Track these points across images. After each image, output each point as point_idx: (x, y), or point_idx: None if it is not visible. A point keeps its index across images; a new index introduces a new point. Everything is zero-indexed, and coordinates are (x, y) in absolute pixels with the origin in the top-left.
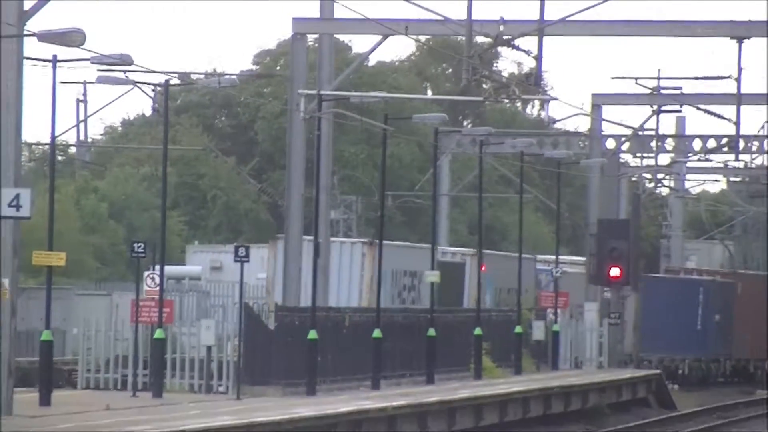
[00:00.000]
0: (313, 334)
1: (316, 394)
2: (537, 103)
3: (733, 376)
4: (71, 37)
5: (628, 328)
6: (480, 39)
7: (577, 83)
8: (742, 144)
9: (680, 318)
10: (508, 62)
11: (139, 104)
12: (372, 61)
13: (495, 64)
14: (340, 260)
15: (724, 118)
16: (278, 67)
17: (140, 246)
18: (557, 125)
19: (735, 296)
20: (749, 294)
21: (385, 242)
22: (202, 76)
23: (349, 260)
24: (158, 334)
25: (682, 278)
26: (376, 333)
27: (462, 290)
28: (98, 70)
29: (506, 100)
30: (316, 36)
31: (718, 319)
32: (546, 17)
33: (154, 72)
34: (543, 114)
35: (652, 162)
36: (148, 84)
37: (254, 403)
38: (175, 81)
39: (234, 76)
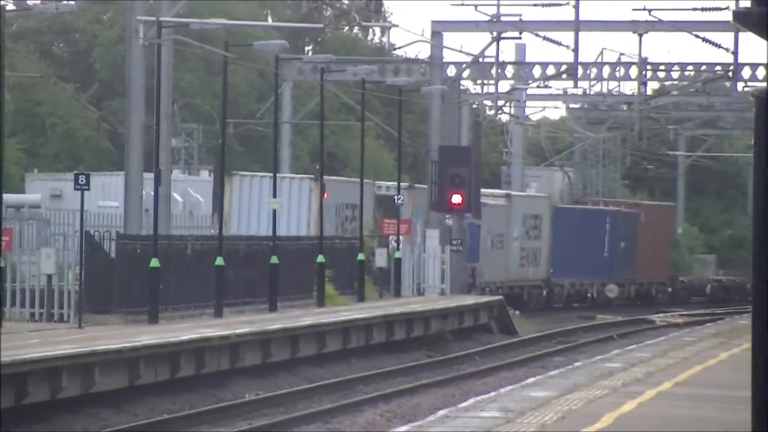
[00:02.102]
0: (154, 262)
1: (159, 323)
2: (378, 30)
3: (636, 299)
4: None
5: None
6: None
7: (417, 10)
8: (580, 71)
9: (588, 245)
10: None
11: None
12: None
13: None
14: (290, 194)
15: (563, 45)
16: None
17: None
18: (398, 52)
19: (639, 225)
20: (652, 222)
21: (330, 178)
22: (38, 2)
23: (297, 194)
24: None
25: (590, 208)
26: (219, 261)
27: None
28: None
29: (347, 27)
30: None
31: (623, 246)
32: None
33: None
34: (384, 41)
35: (492, 89)
36: None
37: (96, 332)
38: (10, 6)
39: (72, 2)
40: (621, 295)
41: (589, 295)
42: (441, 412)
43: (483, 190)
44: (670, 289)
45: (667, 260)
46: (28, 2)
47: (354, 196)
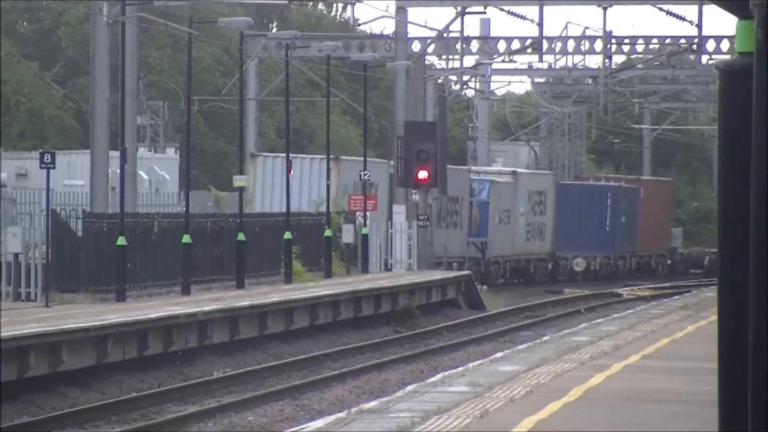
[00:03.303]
0: (121, 241)
1: (126, 301)
2: (342, 5)
3: (637, 271)
4: None
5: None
6: None
7: None
8: (545, 45)
9: (591, 220)
10: None
11: None
12: None
13: None
14: (310, 174)
15: (527, 20)
16: None
17: None
18: (363, 28)
19: (638, 199)
20: (651, 197)
21: (348, 158)
22: None
23: (318, 174)
24: None
25: (592, 184)
26: (186, 238)
27: None
28: None
29: (311, 3)
30: None
31: (624, 220)
32: None
33: None
34: (348, 16)
35: (457, 64)
36: None
37: (63, 310)
38: None
39: None
40: (588, 267)
41: (592, 267)
42: (409, 387)
43: (491, 168)
44: (669, 262)
45: (666, 233)
46: None
47: (371, 174)
